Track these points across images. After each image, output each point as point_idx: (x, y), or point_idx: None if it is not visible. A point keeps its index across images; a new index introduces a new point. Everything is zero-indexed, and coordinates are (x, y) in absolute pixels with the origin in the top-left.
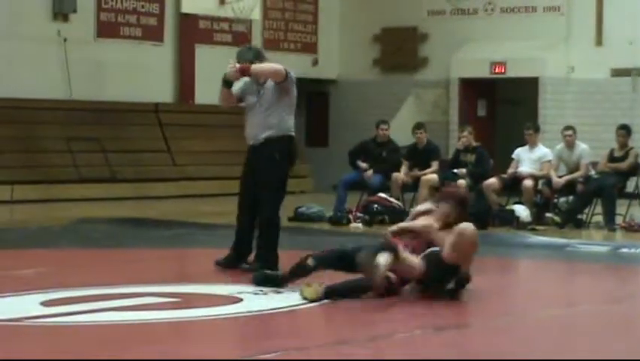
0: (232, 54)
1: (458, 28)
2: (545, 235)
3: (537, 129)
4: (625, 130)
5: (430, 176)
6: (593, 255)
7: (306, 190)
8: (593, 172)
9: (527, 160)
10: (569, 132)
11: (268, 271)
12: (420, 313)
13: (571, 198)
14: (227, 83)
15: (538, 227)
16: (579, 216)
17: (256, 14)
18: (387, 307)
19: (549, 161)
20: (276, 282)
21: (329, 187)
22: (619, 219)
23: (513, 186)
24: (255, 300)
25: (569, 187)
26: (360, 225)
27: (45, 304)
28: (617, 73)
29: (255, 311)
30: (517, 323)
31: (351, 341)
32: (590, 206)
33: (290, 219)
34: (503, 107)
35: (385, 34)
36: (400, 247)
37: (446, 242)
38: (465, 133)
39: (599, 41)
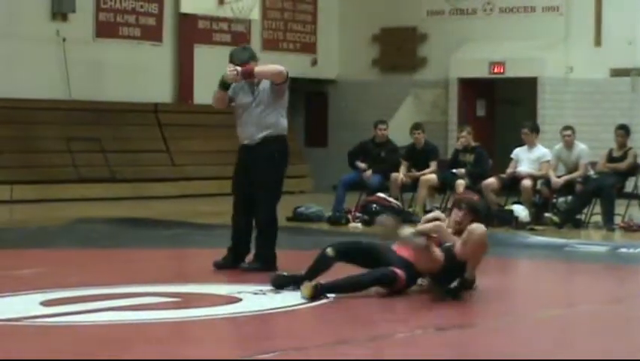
0: None
1: (457, 29)
2: (544, 235)
3: (534, 129)
4: (624, 130)
5: (429, 176)
6: (591, 255)
7: (305, 190)
8: (591, 172)
9: (526, 160)
10: (568, 132)
11: (286, 273)
12: (420, 313)
13: (570, 198)
14: (225, 86)
15: (537, 227)
16: (578, 217)
17: (255, 14)
18: (387, 306)
19: (548, 161)
20: (297, 282)
21: (328, 187)
22: (618, 220)
23: (512, 186)
24: (255, 300)
25: (567, 187)
26: (359, 225)
27: (44, 304)
28: (616, 73)
29: (255, 311)
30: (517, 323)
31: (350, 340)
32: (588, 206)
33: (289, 219)
34: (502, 107)
35: (384, 35)
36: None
37: (458, 241)
38: (464, 133)
39: (598, 41)
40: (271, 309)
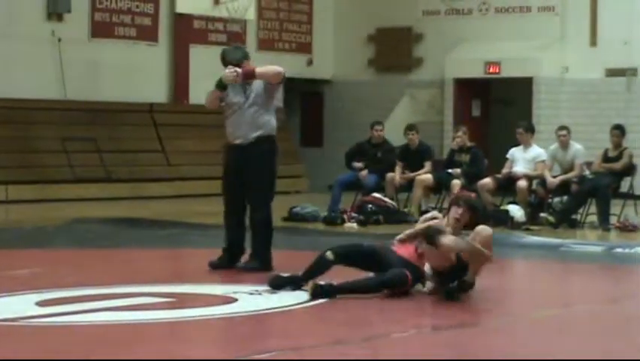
0: None
1: (453, 29)
2: (540, 235)
3: (529, 129)
4: (619, 130)
5: (425, 176)
6: (587, 255)
7: (301, 190)
8: (587, 172)
9: (521, 160)
10: (563, 132)
11: (284, 275)
12: (417, 313)
13: (565, 198)
14: (223, 86)
15: (532, 227)
16: (573, 217)
17: (251, 14)
18: (382, 306)
19: (543, 161)
20: (296, 283)
21: (323, 187)
22: (613, 220)
23: (507, 186)
24: (250, 300)
25: (563, 187)
26: (354, 225)
27: (40, 304)
28: (612, 73)
29: (250, 311)
30: (513, 323)
31: (346, 341)
32: (584, 206)
33: (284, 219)
34: (498, 107)
35: (380, 35)
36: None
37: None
38: (459, 133)
39: (593, 41)
40: (267, 309)
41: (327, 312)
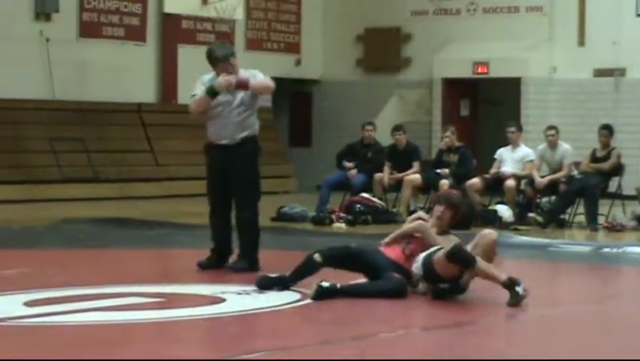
0: None
1: (441, 29)
2: (528, 235)
3: (520, 128)
4: (607, 130)
5: (413, 176)
6: (575, 255)
7: (290, 190)
8: (575, 172)
9: (510, 160)
10: (552, 132)
11: (271, 275)
12: (405, 313)
13: (553, 198)
14: (214, 94)
15: (520, 227)
16: (562, 216)
17: (239, 14)
18: (371, 306)
19: (531, 161)
20: (284, 283)
21: (312, 187)
22: (601, 220)
23: (496, 186)
24: (238, 300)
25: (551, 187)
26: (343, 225)
27: (28, 304)
28: (600, 73)
29: (238, 311)
30: (502, 323)
31: (335, 340)
32: (572, 206)
33: (273, 220)
34: (486, 107)
35: (368, 35)
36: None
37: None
38: (448, 133)
39: (581, 41)
40: (255, 309)
41: (315, 312)
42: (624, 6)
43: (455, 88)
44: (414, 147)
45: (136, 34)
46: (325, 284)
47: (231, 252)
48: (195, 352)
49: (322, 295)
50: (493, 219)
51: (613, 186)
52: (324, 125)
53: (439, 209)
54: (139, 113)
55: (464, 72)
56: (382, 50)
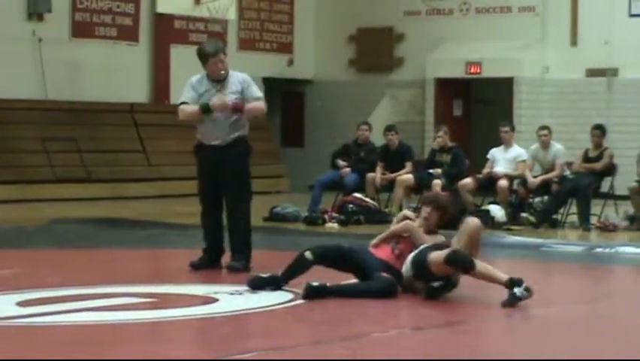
0: None
1: (434, 29)
2: (520, 235)
3: (513, 128)
4: (600, 130)
5: (406, 176)
6: (568, 255)
7: (282, 190)
8: (567, 172)
9: (502, 160)
10: (544, 132)
11: (263, 275)
12: (397, 312)
13: (546, 198)
14: (209, 111)
15: (513, 227)
16: (554, 216)
17: (232, 14)
18: (363, 306)
19: (524, 161)
20: (276, 283)
21: (305, 187)
22: (594, 220)
23: (488, 186)
24: (231, 300)
25: (544, 187)
26: (335, 225)
27: (21, 304)
28: (592, 73)
29: (231, 311)
30: (494, 323)
31: (327, 340)
32: (565, 206)
33: (265, 220)
34: (479, 107)
35: (361, 35)
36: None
37: (429, 240)
38: (440, 133)
39: (573, 42)
40: (248, 309)
41: (307, 312)
42: (616, 6)
43: (448, 88)
44: (406, 147)
45: (128, 34)
46: (315, 284)
47: (223, 252)
48: (188, 352)
49: (312, 294)
50: (485, 220)
51: (605, 186)
52: (316, 125)
53: (426, 210)
54: (131, 113)
55: (457, 72)
56: (375, 50)
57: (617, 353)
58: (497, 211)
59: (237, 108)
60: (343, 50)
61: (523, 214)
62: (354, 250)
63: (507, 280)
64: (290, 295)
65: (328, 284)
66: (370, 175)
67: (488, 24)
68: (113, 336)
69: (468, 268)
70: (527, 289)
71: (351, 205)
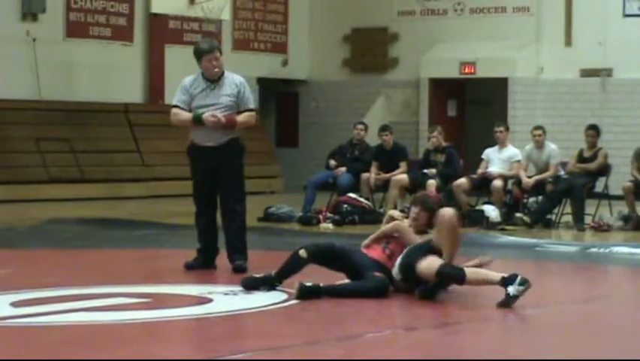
0: None
1: (428, 29)
2: (515, 235)
3: (507, 128)
4: (594, 130)
5: (400, 176)
6: (562, 255)
7: (277, 190)
8: (562, 172)
9: (497, 160)
10: (539, 132)
11: (257, 275)
12: (391, 313)
13: (540, 198)
14: (201, 123)
15: (507, 227)
16: (548, 217)
17: (226, 14)
18: (358, 307)
19: (518, 161)
20: (270, 283)
21: (299, 187)
22: (588, 220)
23: (483, 187)
24: (226, 300)
25: (538, 187)
26: (330, 225)
27: (15, 304)
28: (587, 73)
29: (226, 312)
30: (487, 323)
31: (322, 341)
32: (559, 206)
33: (260, 220)
34: (473, 107)
35: (355, 35)
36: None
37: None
38: (435, 133)
39: (568, 42)
40: (242, 310)
41: (302, 312)
42: (611, 6)
43: (442, 88)
44: (401, 147)
45: (123, 34)
46: (308, 284)
47: (218, 252)
48: (183, 352)
49: (306, 294)
50: (480, 220)
51: (600, 186)
52: (311, 126)
53: (415, 211)
54: (126, 114)
55: (451, 72)
56: (369, 50)
57: (611, 353)
58: (491, 211)
59: (231, 123)
60: (338, 50)
61: (518, 214)
62: (347, 249)
63: (500, 280)
64: (284, 296)
65: (322, 284)
66: (365, 175)
67: (483, 24)
68: (108, 336)
69: (459, 280)
70: (523, 282)
71: (345, 205)
